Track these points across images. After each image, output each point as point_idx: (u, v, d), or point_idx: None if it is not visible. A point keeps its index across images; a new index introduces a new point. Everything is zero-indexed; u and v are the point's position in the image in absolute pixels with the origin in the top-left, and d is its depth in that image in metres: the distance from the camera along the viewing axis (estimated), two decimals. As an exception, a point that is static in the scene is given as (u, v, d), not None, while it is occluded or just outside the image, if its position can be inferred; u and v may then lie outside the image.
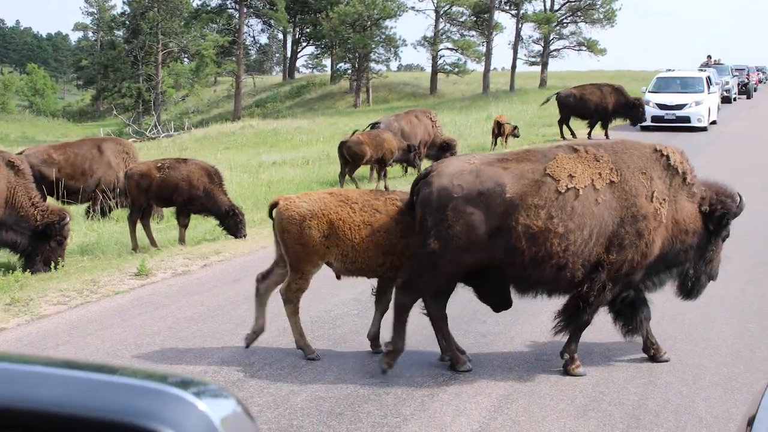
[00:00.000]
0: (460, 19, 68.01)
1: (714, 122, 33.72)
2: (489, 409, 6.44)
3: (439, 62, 67.66)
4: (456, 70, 67.24)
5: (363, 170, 20.27)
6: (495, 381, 7.00)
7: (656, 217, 6.86)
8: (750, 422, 2.86)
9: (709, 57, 53.18)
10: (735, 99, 51.76)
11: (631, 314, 7.41)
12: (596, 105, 28.79)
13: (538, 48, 67.42)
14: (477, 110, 40.88)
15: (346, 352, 7.74)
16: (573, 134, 29.18)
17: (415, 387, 6.86)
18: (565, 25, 66.84)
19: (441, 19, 67.24)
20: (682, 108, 30.87)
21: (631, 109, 28.96)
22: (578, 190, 6.75)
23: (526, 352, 7.74)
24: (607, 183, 6.85)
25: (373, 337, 7.75)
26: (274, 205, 7.53)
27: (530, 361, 7.49)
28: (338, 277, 7.83)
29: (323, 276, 10.27)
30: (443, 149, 19.61)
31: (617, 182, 6.86)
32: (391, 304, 7.44)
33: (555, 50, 67.21)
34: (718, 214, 7.07)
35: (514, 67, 66.42)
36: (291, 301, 7.44)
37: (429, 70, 71.47)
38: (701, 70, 41.73)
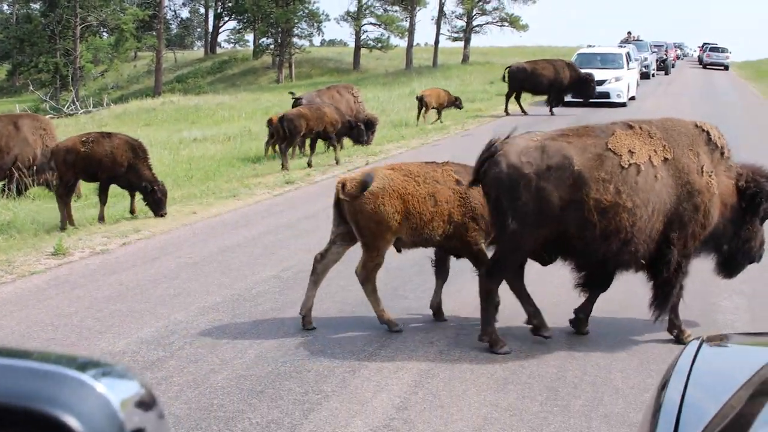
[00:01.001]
0: (384, -6, 67.93)
1: (633, 98, 34.23)
2: (410, 384, 6.47)
3: (362, 37, 67.55)
4: (379, 45, 67.22)
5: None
6: (416, 356, 7.04)
7: (709, 189, 7.01)
8: (663, 386, 2.91)
9: (629, 33, 54.09)
10: (653, 75, 52.64)
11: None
12: (551, 80, 28.81)
13: (461, 23, 67.72)
14: (400, 86, 40.96)
15: (267, 329, 7.68)
16: (522, 110, 29.48)
17: (336, 364, 6.86)
18: (488, 0, 67.16)
19: (365, -6, 67.06)
20: (602, 84, 31.22)
21: (583, 85, 29.02)
22: (639, 165, 6.86)
23: (448, 327, 7.78)
24: (662, 160, 6.96)
25: (437, 307, 7.95)
26: (342, 186, 7.49)
27: (451, 336, 7.54)
28: (399, 251, 7.97)
29: (244, 253, 10.23)
30: (366, 126, 19.48)
31: (671, 159, 6.99)
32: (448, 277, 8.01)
33: (478, 26, 67.61)
34: (750, 192, 7.18)
35: (437, 42, 66.66)
36: (369, 280, 7.61)
37: (352, 45, 71.23)
38: (621, 46, 42.34)
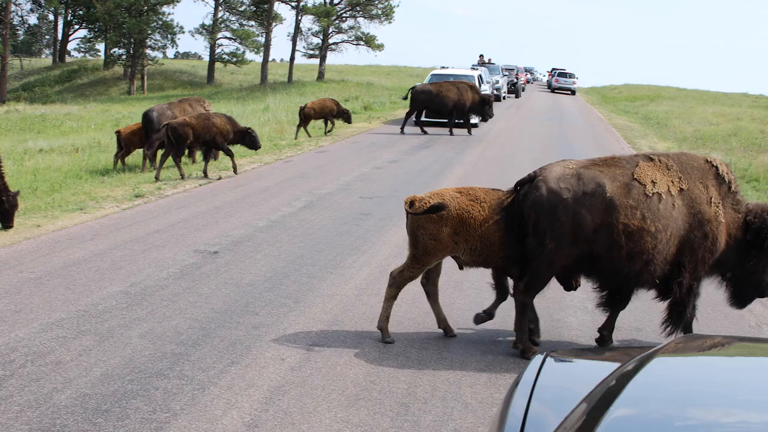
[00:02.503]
0: (240, 9, 67.59)
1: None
2: (260, 402, 6.40)
3: (217, 51, 66.91)
4: (234, 59, 66.75)
5: (133, 158, 19.73)
6: (267, 373, 6.97)
7: (717, 218, 7.62)
8: (508, 400, 2.96)
9: (482, 56, 55.26)
10: (504, 97, 54.11)
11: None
12: (455, 102, 29.22)
13: (317, 41, 67.93)
14: (254, 101, 40.69)
15: (113, 347, 7.46)
16: (423, 130, 29.87)
17: (185, 381, 6.72)
18: (344, 19, 67.62)
19: (220, 8, 66.53)
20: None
21: (483, 106, 29.51)
22: (660, 194, 7.47)
23: (299, 343, 7.74)
24: (678, 190, 7.57)
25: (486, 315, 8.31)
26: (410, 204, 7.82)
27: (303, 352, 7.50)
28: (461, 268, 8.18)
29: (90, 268, 9.94)
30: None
31: (686, 189, 7.59)
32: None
33: (334, 44, 67.92)
34: (755, 227, 7.71)
35: (292, 59, 66.66)
36: (397, 287, 7.95)
37: (207, 58, 70.46)
38: (474, 68, 43.25)
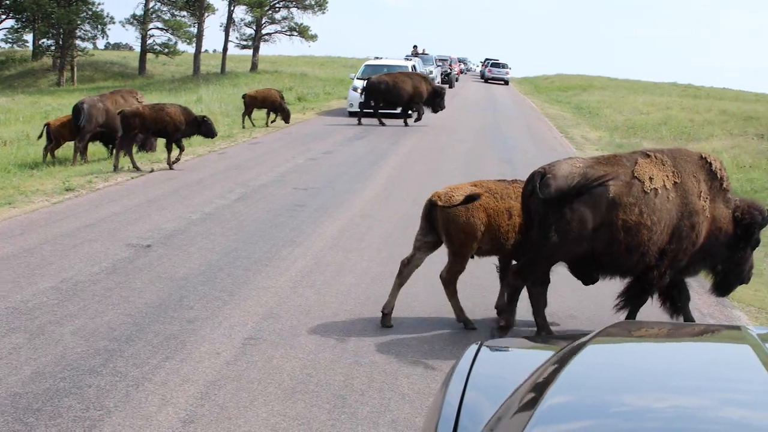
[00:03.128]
0: (172, -1, 66.70)
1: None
2: (196, 397, 6.34)
3: (148, 42, 66.05)
4: (166, 50, 65.99)
5: (63, 151, 19.40)
6: (202, 368, 6.91)
7: (703, 212, 7.98)
8: (444, 390, 2.97)
9: (415, 47, 55.34)
10: (438, 88, 54.09)
11: (677, 296, 8.44)
12: (410, 93, 29.32)
13: (250, 31, 67.45)
14: (187, 92, 40.28)
15: (45, 344, 7.33)
16: (381, 121, 29.77)
17: (118, 378, 6.63)
18: (277, 9, 67.23)
19: (151, -2, 65.59)
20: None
21: (436, 98, 29.67)
22: (657, 189, 7.81)
23: (235, 337, 7.68)
24: (672, 184, 7.91)
25: (502, 309, 8.48)
26: (432, 201, 8.21)
27: (238, 345, 7.45)
28: (472, 257, 8.45)
29: (19, 264, 9.75)
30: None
31: (679, 183, 7.94)
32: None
33: (267, 34, 67.51)
34: (745, 222, 8.10)
35: (225, 49, 66.06)
36: (451, 284, 8.29)
37: (138, 49, 69.51)
38: (407, 59, 43.29)
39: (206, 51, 76.32)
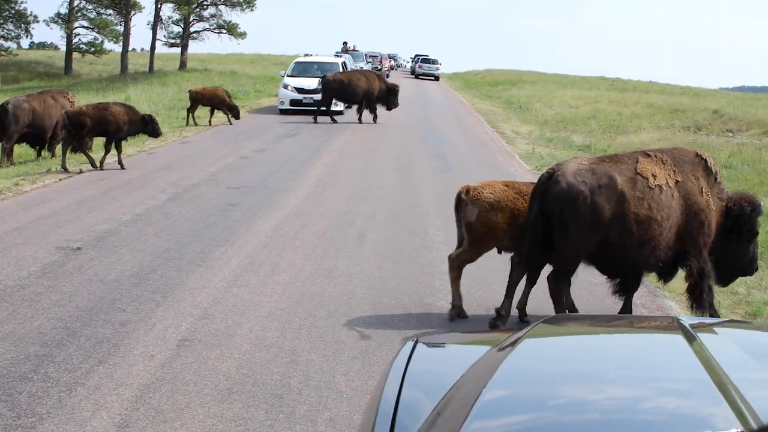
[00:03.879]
0: (97, -4, 65.59)
1: (349, 106, 35.13)
2: (130, 401, 6.25)
3: (74, 41, 64.83)
4: (93, 49, 64.83)
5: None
6: (136, 371, 6.81)
7: (708, 206, 8.27)
8: (380, 388, 2.97)
9: (345, 43, 55.50)
10: (369, 84, 54.17)
11: (631, 287, 8.69)
12: (365, 91, 29.55)
13: (178, 29, 66.55)
14: (115, 92, 39.62)
15: (-27, 351, 7.17)
16: (333, 119, 29.91)
17: (50, 384, 6.50)
18: (205, 7, 66.49)
19: (76, -5, 64.42)
20: (320, 92, 31.83)
21: (390, 95, 29.91)
22: (661, 186, 8.08)
23: (169, 339, 7.60)
24: (674, 182, 8.18)
25: (522, 307, 8.69)
26: (461, 193, 8.50)
27: (172, 347, 7.37)
28: (499, 252, 8.82)
29: (-54, 270, 9.51)
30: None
31: (680, 182, 8.22)
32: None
33: (195, 32, 66.71)
34: (734, 213, 8.41)
35: (153, 48, 65.11)
36: (458, 269, 8.53)
37: (64, 48, 68.27)
38: (338, 55, 43.29)
39: (134, 50, 75.47)
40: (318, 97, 30.83)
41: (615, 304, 8.78)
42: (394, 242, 11.66)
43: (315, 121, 29.32)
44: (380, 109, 30.14)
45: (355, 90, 29.69)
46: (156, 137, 18.45)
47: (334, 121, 29.72)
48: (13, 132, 18.22)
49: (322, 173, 18.10)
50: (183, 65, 63.08)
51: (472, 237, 8.45)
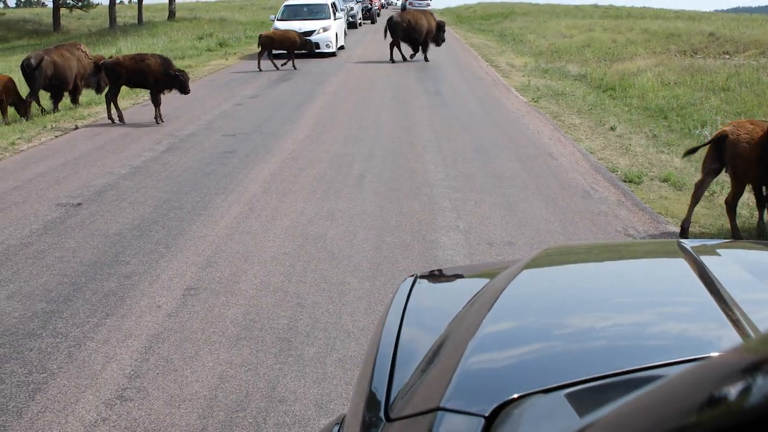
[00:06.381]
0: (81, -51, 64.80)
1: (342, 47, 34.96)
2: (140, 351, 6.29)
3: (60, -4, 64.21)
4: (80, 4, 64.21)
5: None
6: (144, 322, 6.85)
7: None
8: (381, 325, 2.97)
9: (334, -17, 54.70)
10: (360, 24, 54.08)
11: None
12: (426, 30, 29.81)
13: (164, -22, 65.86)
14: (105, 46, 39.23)
15: (-20, 311, 7.20)
16: (403, 57, 30.41)
17: (59, 339, 6.54)
18: (189, -46, 65.74)
19: (59, -50, 63.61)
20: (310, 34, 31.61)
21: (440, 32, 30.24)
22: None
23: (174, 288, 7.62)
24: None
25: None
26: (723, 133, 9.07)
27: (178, 297, 7.39)
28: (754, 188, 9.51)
29: (-52, 232, 9.51)
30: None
31: None
32: None
33: (182, -20, 66.06)
34: None
35: (140, -1, 64.55)
36: (733, 206, 9.19)
37: (51, 5, 67.59)
38: (327, -5, 42.83)
39: (121, 2, 74.66)
40: (312, 38, 30.68)
41: None
42: (394, 181, 11.64)
43: (404, 60, 30.12)
44: (374, 49, 29.97)
45: (420, 30, 29.90)
46: (185, 94, 18.11)
47: (405, 59, 30.32)
48: (39, 85, 18.56)
49: (318, 116, 18.01)
50: (172, 15, 62.43)
51: (737, 174, 9.04)
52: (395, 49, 30.47)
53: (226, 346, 6.38)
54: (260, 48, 28.37)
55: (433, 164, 12.74)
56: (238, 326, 6.74)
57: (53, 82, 19.06)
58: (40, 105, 19.29)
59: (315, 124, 16.83)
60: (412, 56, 30.50)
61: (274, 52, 29.07)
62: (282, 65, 28.74)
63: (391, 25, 30.10)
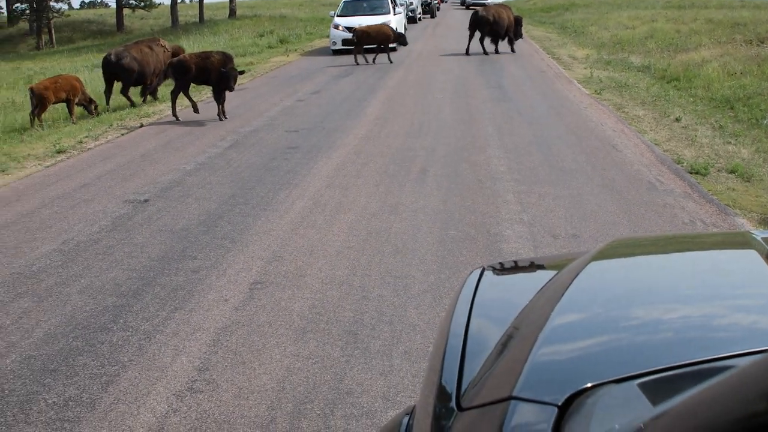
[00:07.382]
0: (144, -49, 65.73)
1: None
2: (208, 344, 6.38)
3: (124, -3, 65.19)
4: (142, 4, 65.22)
5: (51, 113, 19.26)
6: (212, 315, 6.94)
7: None
8: (449, 317, 2.97)
9: (393, -21, 54.68)
10: (420, 19, 53.91)
11: None
12: (507, 24, 30.38)
13: (225, -23, 66.46)
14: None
15: (53, 306, 7.35)
16: (485, 51, 30.52)
17: (130, 332, 6.66)
18: (250, -48, 66.26)
19: (122, -48, 64.58)
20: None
21: (518, 26, 30.91)
22: None
23: (241, 282, 7.71)
24: None
25: None
26: None
27: (245, 291, 7.48)
28: None
29: (19, 230, 9.75)
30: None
31: None
32: None
33: (243, -21, 66.64)
34: None
35: (202, -3, 65.24)
36: None
37: (114, 6, 68.66)
38: (386, -9, 42.85)
39: (183, 1, 75.50)
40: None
41: None
42: (457, 175, 11.62)
43: (496, 52, 30.43)
44: (434, 42, 29.90)
45: (502, 23, 30.23)
46: (229, 90, 18.25)
47: (496, 52, 30.46)
48: (128, 81, 19.66)
49: (380, 110, 18.05)
50: (233, 13, 63.04)
51: None
52: (476, 42, 30.49)
53: (293, 338, 6.44)
54: (356, 42, 28.74)
55: (495, 158, 12.69)
56: (304, 319, 6.80)
57: (134, 77, 19.85)
58: (108, 103, 19.91)
59: (376, 119, 16.87)
60: (495, 51, 30.47)
61: (365, 46, 29.25)
62: (373, 60, 28.89)
63: (477, 20, 30.15)
